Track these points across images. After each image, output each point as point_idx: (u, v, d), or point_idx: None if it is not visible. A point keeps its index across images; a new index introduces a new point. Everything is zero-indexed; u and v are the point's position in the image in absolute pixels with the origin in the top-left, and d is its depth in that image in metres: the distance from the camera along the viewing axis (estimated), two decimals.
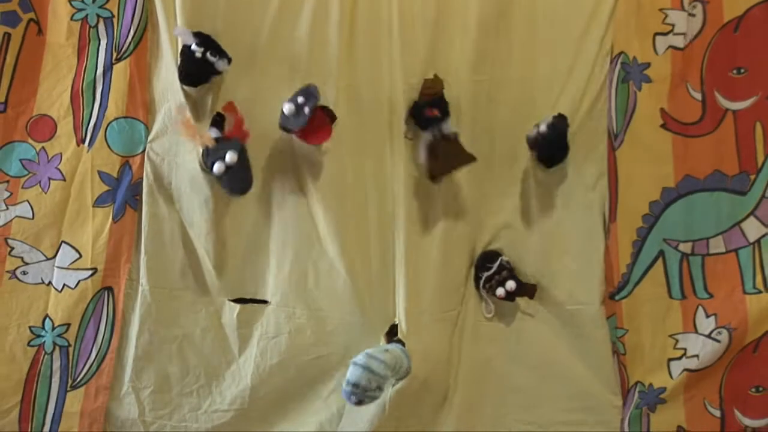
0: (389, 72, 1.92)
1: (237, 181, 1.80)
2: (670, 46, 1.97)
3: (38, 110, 1.90)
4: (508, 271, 1.97)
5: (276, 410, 1.97)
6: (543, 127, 1.87)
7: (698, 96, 1.99)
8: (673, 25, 1.96)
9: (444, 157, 1.88)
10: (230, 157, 1.75)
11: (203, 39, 1.80)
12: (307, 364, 1.96)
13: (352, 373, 1.73)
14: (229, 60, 1.81)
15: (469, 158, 1.89)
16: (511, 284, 1.95)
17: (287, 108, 1.79)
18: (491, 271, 1.97)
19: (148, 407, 1.95)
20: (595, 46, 1.95)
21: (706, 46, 1.98)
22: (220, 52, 1.80)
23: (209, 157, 1.80)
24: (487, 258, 2.00)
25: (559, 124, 1.87)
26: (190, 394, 1.96)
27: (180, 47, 1.84)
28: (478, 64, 1.95)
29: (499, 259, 1.98)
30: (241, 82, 1.89)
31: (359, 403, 1.74)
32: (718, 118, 1.98)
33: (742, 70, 1.98)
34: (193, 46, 1.77)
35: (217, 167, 1.76)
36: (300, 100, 1.78)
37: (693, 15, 1.96)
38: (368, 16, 1.91)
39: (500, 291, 1.95)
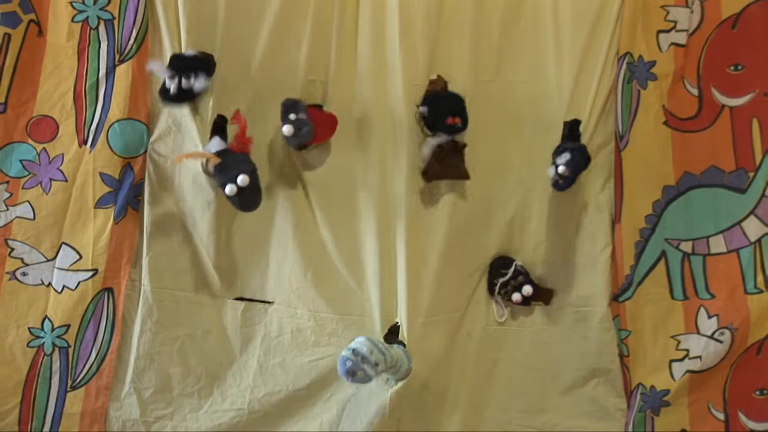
0: (392, 74, 1.91)
1: (247, 201, 1.80)
2: (673, 43, 1.97)
3: (38, 111, 1.90)
4: (524, 275, 1.98)
5: (276, 411, 1.97)
6: (561, 168, 1.83)
7: (695, 91, 1.99)
8: (675, 22, 1.96)
9: (445, 164, 1.89)
10: (242, 180, 1.75)
11: (177, 63, 1.78)
12: (308, 365, 1.96)
13: (356, 341, 1.76)
14: (209, 73, 1.80)
15: (465, 175, 1.91)
16: (528, 289, 1.96)
17: (286, 129, 1.79)
18: (507, 276, 1.98)
19: (149, 408, 1.95)
20: (604, 47, 1.95)
21: (704, 42, 1.98)
22: (197, 69, 1.78)
23: (219, 176, 1.79)
24: (501, 263, 2.01)
25: (577, 157, 1.85)
26: (192, 394, 1.96)
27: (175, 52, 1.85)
28: (485, 66, 1.96)
29: (514, 264, 1.99)
30: (242, 85, 1.89)
31: (351, 373, 1.73)
32: (715, 114, 1.99)
33: (740, 67, 1.99)
34: (167, 81, 1.76)
35: (229, 189, 1.76)
36: (292, 116, 1.80)
37: (692, 11, 1.96)
38: (370, 17, 1.91)
39: (516, 296, 1.97)
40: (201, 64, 1.79)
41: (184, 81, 1.75)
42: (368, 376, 1.74)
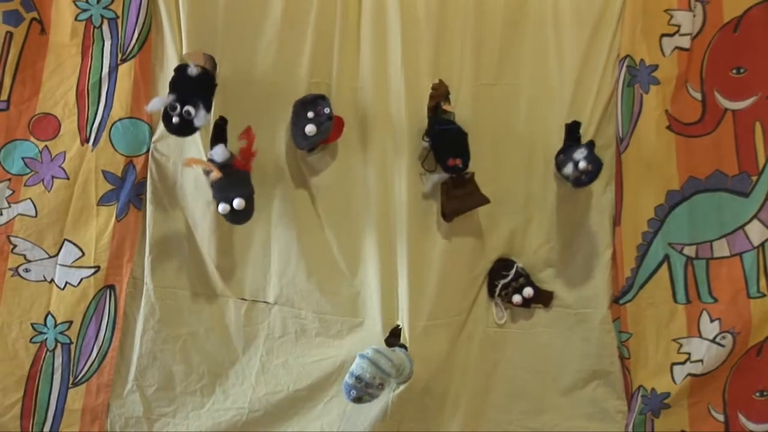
0: (394, 77, 1.90)
1: (238, 220, 1.79)
2: (677, 47, 1.96)
3: (41, 109, 1.90)
4: (525, 277, 1.99)
5: (277, 411, 1.97)
6: (583, 164, 1.81)
7: (698, 96, 1.99)
8: (678, 26, 1.95)
9: (459, 197, 1.89)
10: (238, 204, 1.74)
11: (179, 90, 1.75)
12: (311, 366, 1.96)
13: (358, 365, 1.74)
14: (209, 106, 1.78)
15: (483, 200, 1.90)
16: (528, 291, 1.97)
17: (309, 129, 1.78)
18: (508, 278, 1.98)
19: (152, 405, 1.96)
20: (605, 50, 1.94)
21: (706, 46, 1.98)
22: (198, 100, 1.75)
23: (216, 191, 1.78)
24: (502, 265, 2.01)
25: (594, 154, 1.84)
26: (194, 392, 1.97)
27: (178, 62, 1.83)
28: (486, 69, 1.95)
29: (515, 266, 1.99)
30: (245, 86, 1.88)
31: (358, 400, 1.74)
32: (718, 118, 1.98)
33: (742, 70, 1.98)
34: (168, 111, 1.74)
35: (222, 208, 1.75)
36: (311, 114, 1.79)
37: (694, 15, 1.95)
38: (372, 19, 1.90)
39: (517, 298, 1.98)
40: (202, 90, 1.77)
41: (185, 113, 1.73)
42: (375, 396, 1.76)
